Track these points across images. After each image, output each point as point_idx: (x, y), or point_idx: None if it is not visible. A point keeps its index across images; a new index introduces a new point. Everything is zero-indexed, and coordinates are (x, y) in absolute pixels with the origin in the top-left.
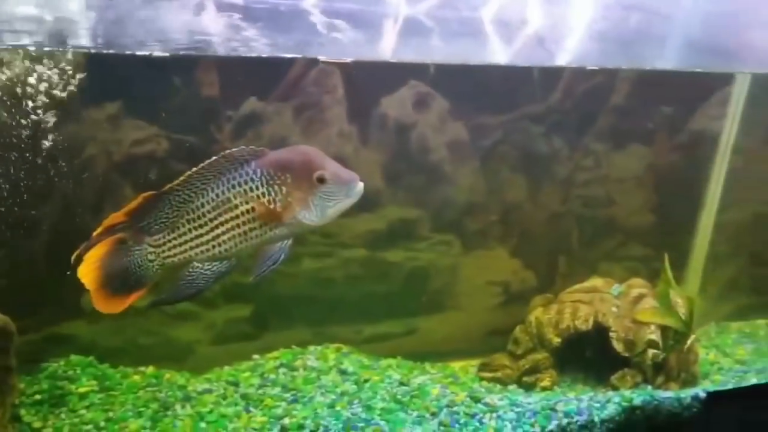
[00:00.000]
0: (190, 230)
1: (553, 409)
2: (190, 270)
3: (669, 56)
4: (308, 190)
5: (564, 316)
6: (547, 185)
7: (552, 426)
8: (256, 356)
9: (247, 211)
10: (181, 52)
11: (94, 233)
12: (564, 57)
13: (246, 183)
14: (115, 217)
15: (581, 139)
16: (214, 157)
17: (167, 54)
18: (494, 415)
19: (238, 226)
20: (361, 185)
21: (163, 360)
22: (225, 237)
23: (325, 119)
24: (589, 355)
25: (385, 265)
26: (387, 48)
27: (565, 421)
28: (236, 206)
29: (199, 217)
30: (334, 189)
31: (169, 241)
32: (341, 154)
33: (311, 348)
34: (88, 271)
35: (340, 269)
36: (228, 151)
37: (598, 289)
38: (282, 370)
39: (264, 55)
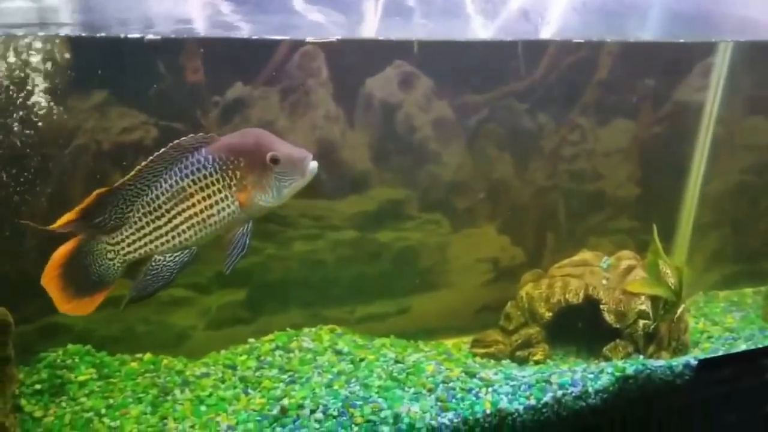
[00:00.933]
0: (147, 224)
1: (547, 382)
2: (153, 263)
3: (651, 27)
4: (262, 172)
5: (554, 291)
6: (533, 161)
7: (547, 398)
8: (251, 339)
9: (204, 199)
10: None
11: (50, 226)
12: (548, 30)
13: (199, 171)
14: (69, 216)
15: (567, 114)
16: (163, 149)
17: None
18: (490, 389)
19: (196, 214)
20: (314, 163)
21: (159, 346)
22: (184, 227)
23: (310, 102)
24: (580, 328)
25: (375, 246)
26: (369, 29)
27: (559, 392)
28: (191, 195)
29: (155, 210)
30: (288, 169)
31: (128, 237)
32: (328, 137)
33: (305, 330)
34: (50, 279)
35: (331, 251)
36: (177, 141)
37: (588, 262)
38: (278, 352)
39: (254, 37)
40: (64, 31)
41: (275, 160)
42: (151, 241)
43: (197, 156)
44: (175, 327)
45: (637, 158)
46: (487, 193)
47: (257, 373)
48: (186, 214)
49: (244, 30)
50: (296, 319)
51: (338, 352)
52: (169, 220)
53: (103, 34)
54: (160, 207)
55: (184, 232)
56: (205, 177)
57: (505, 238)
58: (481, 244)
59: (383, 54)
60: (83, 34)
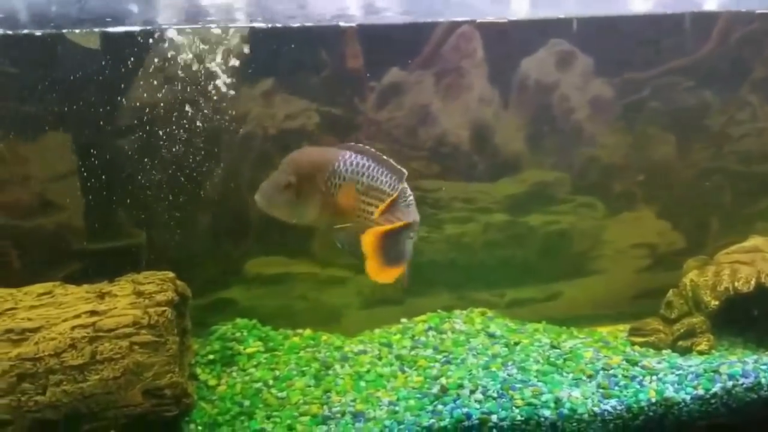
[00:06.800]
0: None
1: (716, 372)
2: None
3: None
4: None
5: (722, 278)
6: (697, 141)
7: (716, 388)
8: (404, 320)
9: None
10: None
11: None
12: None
13: None
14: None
15: (736, 91)
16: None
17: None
18: (654, 377)
19: None
20: None
21: (317, 323)
22: None
23: (464, 84)
24: (748, 318)
25: (526, 229)
26: (521, 7)
27: (729, 383)
28: None
29: None
30: None
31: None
32: (481, 119)
33: (456, 312)
34: (370, 242)
35: (482, 234)
36: None
37: (760, 248)
38: (431, 333)
39: (409, 21)
40: (236, 25)
41: None
42: None
43: None
44: (331, 305)
45: None
46: (646, 176)
47: (412, 352)
48: None
49: (398, 14)
50: (446, 301)
51: (491, 335)
52: None
53: (269, 25)
54: None
55: None
56: None
57: (664, 223)
58: (638, 229)
59: (539, 33)
60: (255, 26)
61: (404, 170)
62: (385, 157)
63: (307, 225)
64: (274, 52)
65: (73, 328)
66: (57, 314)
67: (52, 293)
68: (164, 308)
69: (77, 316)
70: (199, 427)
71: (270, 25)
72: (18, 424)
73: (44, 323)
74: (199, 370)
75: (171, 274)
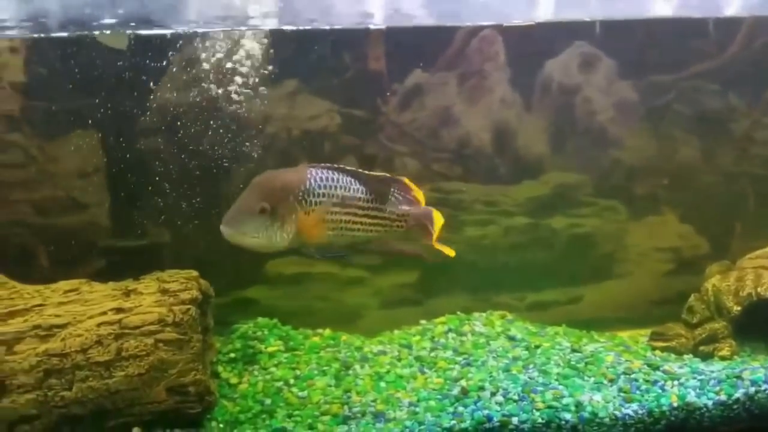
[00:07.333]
0: None
1: (738, 377)
2: None
3: None
4: None
5: (745, 283)
6: (722, 145)
7: (739, 394)
8: (423, 321)
9: None
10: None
11: None
12: (735, 5)
13: None
14: None
15: (760, 95)
16: None
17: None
18: (676, 382)
19: None
20: None
21: (336, 323)
22: None
23: (487, 86)
24: None
25: (548, 232)
26: (545, 11)
27: (752, 389)
28: None
29: None
30: None
31: None
32: (504, 121)
33: (476, 314)
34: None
35: (502, 237)
36: None
37: None
38: (451, 334)
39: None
40: (261, 26)
41: None
42: None
43: None
44: (350, 305)
45: None
46: (670, 179)
47: (432, 354)
48: None
49: (421, 17)
50: (465, 303)
51: (511, 338)
52: None
53: (293, 28)
54: None
55: None
56: None
57: (687, 227)
58: (661, 233)
59: (563, 36)
60: (280, 28)
61: (386, 174)
62: (350, 168)
63: (279, 249)
64: (299, 54)
65: (99, 325)
66: (83, 311)
67: (79, 290)
68: (189, 306)
69: (103, 313)
70: (221, 425)
71: (294, 28)
72: (44, 419)
73: (71, 320)
74: (220, 369)
75: (195, 273)
